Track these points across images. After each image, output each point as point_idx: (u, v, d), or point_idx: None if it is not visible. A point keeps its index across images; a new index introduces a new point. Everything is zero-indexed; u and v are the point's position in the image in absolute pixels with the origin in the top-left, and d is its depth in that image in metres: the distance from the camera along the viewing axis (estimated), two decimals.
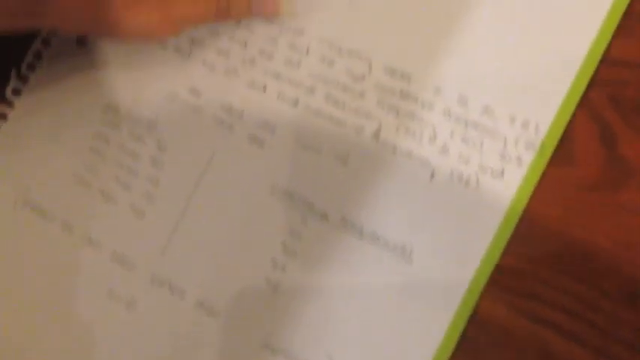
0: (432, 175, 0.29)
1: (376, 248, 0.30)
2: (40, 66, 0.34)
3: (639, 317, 0.27)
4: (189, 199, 0.32)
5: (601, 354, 0.27)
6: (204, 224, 0.31)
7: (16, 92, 0.34)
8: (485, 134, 0.29)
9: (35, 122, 0.34)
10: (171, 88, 0.33)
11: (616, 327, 0.27)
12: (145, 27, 0.29)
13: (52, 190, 0.33)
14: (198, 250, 0.31)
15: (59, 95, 0.34)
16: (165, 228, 0.32)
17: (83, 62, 0.34)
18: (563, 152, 0.28)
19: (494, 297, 0.28)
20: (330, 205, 0.30)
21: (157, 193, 0.32)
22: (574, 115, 0.28)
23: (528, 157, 0.29)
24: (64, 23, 0.29)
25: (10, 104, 0.34)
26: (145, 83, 0.33)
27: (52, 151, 0.33)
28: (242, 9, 0.31)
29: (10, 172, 0.34)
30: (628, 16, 0.28)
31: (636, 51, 0.28)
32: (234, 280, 0.31)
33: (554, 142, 0.28)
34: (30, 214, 0.33)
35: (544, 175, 0.28)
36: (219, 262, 0.31)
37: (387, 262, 0.29)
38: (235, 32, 0.32)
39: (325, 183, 0.30)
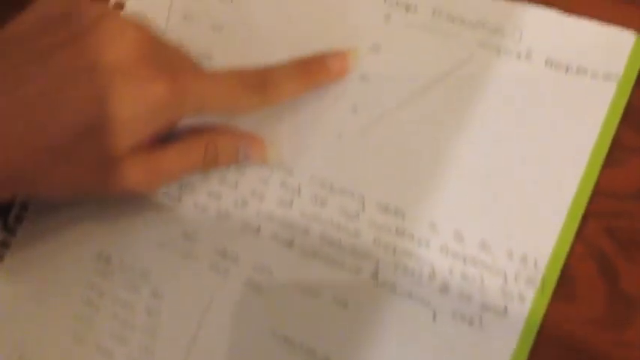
0: (434, 316, 0.29)
1: None
2: (27, 217, 0.34)
3: None
4: (188, 351, 0.31)
5: None
6: None
7: (4, 245, 0.34)
8: (485, 270, 0.29)
9: (25, 275, 0.33)
10: (163, 234, 0.32)
11: None
12: (135, 185, 0.29)
13: (47, 346, 0.32)
14: None
15: (48, 246, 0.33)
16: None
17: (71, 211, 0.33)
18: (565, 288, 0.28)
19: None
20: (333, 350, 0.30)
21: (155, 345, 0.31)
22: (572, 249, 0.28)
23: (530, 294, 0.28)
24: (52, 192, 0.29)
25: None
26: (136, 230, 0.33)
27: (45, 305, 0.33)
28: (230, 157, 0.31)
29: (1, 329, 0.33)
30: (615, 146, 0.29)
31: (626, 182, 0.29)
32: None
33: (555, 277, 0.28)
34: None
35: (547, 312, 0.28)
36: None
37: None
38: (226, 175, 0.32)
39: (326, 328, 0.30)
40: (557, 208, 0.29)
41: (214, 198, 0.32)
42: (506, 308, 0.28)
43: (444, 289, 0.29)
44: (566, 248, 0.28)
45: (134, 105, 0.27)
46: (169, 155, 0.29)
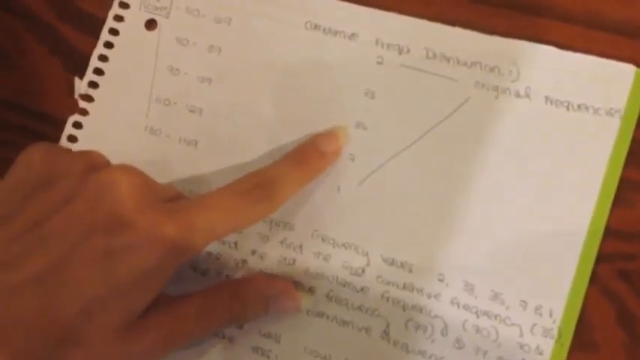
0: None
1: None
2: None
3: None
4: None
5: None
6: None
7: None
8: (499, 323, 0.28)
9: None
10: None
11: None
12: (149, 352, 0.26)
13: None
14: None
15: None
16: None
17: None
18: (583, 338, 0.27)
19: None
20: None
21: None
22: (587, 296, 0.27)
23: (548, 346, 0.27)
24: None
25: None
26: None
27: None
28: (259, 310, 0.29)
29: None
30: (623, 185, 0.28)
31: (637, 221, 0.28)
32: None
33: (572, 327, 0.27)
34: None
35: None
36: None
37: None
38: None
39: None
40: (569, 253, 0.28)
41: (213, 259, 0.31)
42: None
43: (459, 344, 0.28)
44: (582, 295, 0.27)
45: (143, 260, 0.24)
46: (189, 314, 0.27)
